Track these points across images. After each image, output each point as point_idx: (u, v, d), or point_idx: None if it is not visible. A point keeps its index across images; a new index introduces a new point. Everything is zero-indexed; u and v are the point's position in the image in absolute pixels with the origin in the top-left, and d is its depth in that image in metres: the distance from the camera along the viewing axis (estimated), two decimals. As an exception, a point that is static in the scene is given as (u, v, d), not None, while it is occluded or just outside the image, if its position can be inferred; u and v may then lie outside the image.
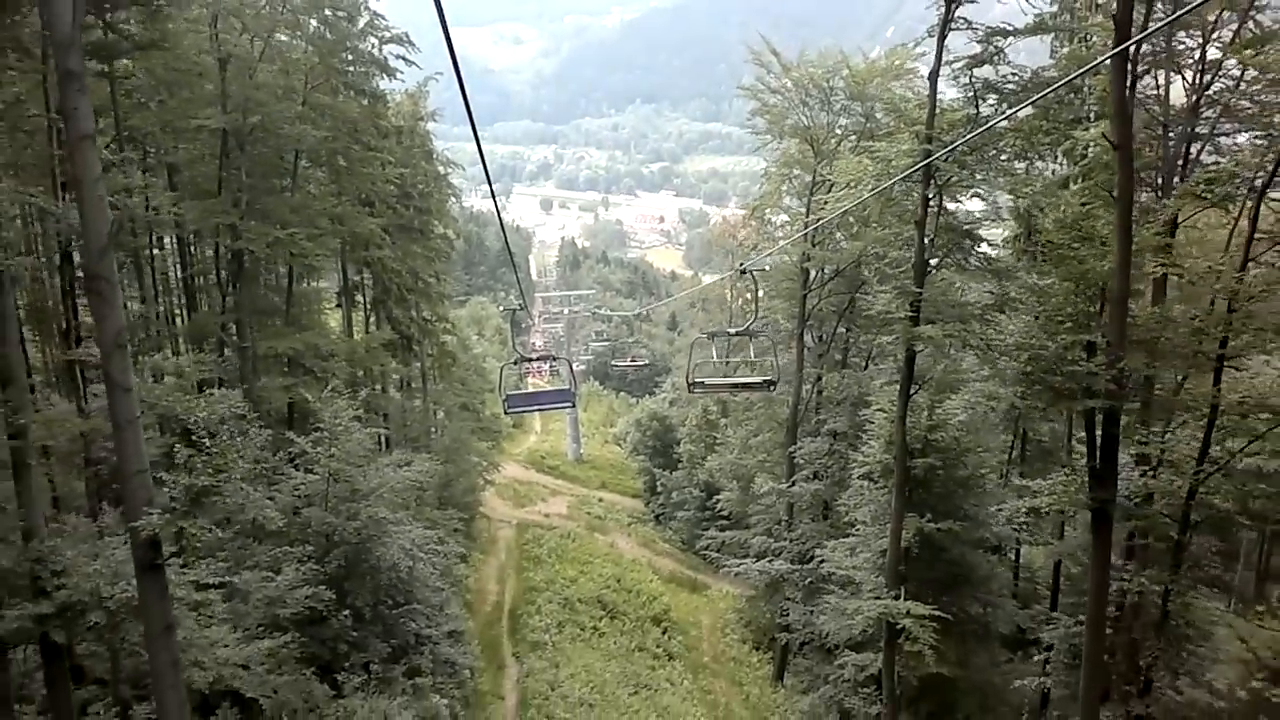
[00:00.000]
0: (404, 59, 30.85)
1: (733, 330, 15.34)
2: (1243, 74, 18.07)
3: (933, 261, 21.31)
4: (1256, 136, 18.70)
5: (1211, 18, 18.22)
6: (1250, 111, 18.29)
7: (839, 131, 32.09)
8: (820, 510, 33.15)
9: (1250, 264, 16.95)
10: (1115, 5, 14.88)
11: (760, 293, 27.70)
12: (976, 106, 19.44)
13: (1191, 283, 18.71)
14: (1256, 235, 16.79)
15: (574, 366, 21.15)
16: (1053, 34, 21.31)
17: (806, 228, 31.28)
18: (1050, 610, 23.72)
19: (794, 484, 33.07)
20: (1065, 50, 21.73)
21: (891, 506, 22.58)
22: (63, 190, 17.25)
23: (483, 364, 61.87)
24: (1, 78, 15.92)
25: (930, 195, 20.38)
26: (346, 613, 21.53)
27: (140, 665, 17.03)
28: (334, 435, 22.17)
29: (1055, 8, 20.12)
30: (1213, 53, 18.52)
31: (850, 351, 34.90)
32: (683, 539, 49.13)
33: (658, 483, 54.00)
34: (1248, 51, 17.18)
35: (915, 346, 21.57)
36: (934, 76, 19.78)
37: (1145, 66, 19.18)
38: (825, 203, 29.47)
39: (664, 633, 35.38)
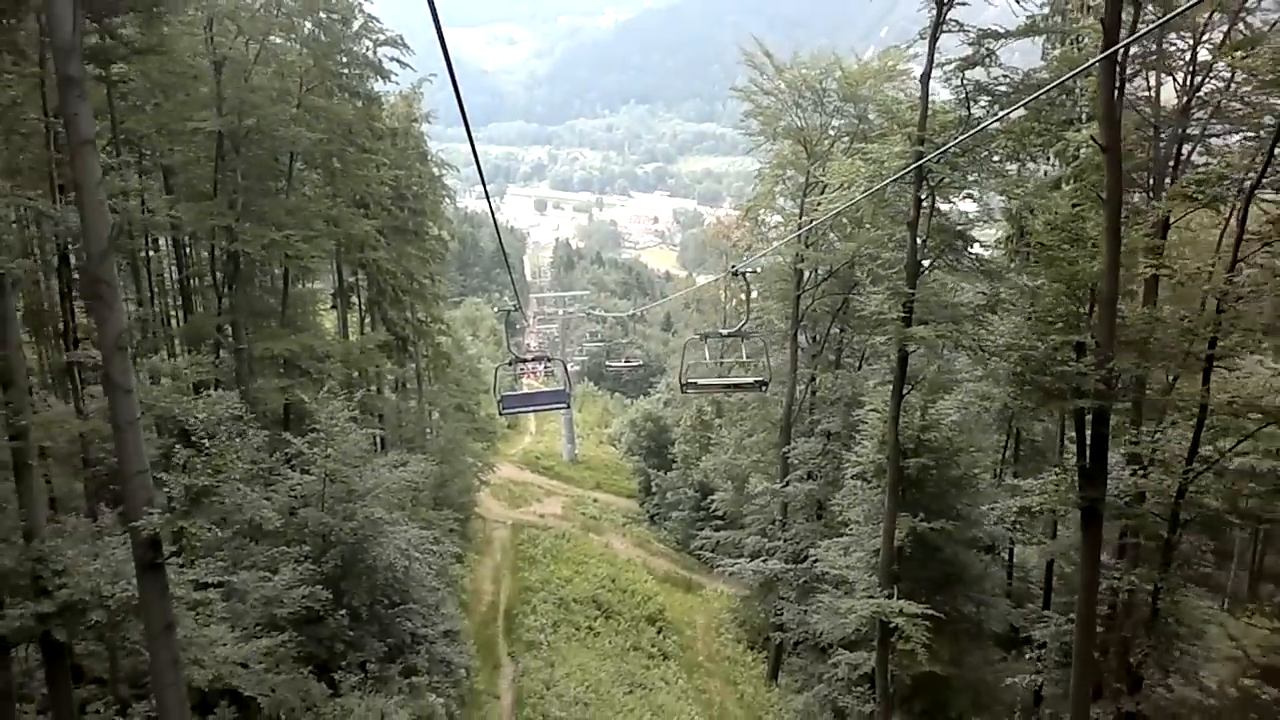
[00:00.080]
0: (398, 61, 30.90)
1: (725, 331, 15.43)
2: (1233, 75, 18.21)
3: (925, 262, 21.47)
4: (1246, 138, 18.87)
5: (1202, 19, 18.40)
6: (1241, 113, 18.44)
7: (832, 133, 32.25)
8: (814, 510, 33.31)
9: (1241, 264, 17.11)
10: (1104, 8, 15.02)
11: (754, 293, 27.83)
12: (968, 108, 19.59)
13: (1181, 283, 18.88)
14: (1245, 236, 16.94)
15: (569, 367, 21.24)
16: (1044, 36, 21.47)
17: (800, 229, 31.42)
18: (1043, 609, 23.85)
19: (788, 484, 33.23)
20: (1057, 52, 21.89)
21: (885, 506, 22.74)
22: (60, 193, 17.33)
23: (477, 365, 61.90)
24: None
25: (923, 196, 20.55)
26: (343, 612, 21.60)
27: (139, 664, 17.13)
28: (330, 436, 22.23)
29: (1047, 10, 20.26)
30: (1203, 54, 18.69)
31: (844, 352, 35.08)
32: (677, 539, 49.21)
33: (652, 483, 54.04)
34: (1238, 53, 17.33)
35: (908, 347, 21.72)
36: (926, 78, 19.92)
37: (1136, 68, 19.38)
38: (818, 204, 29.59)
39: (659, 632, 35.48)
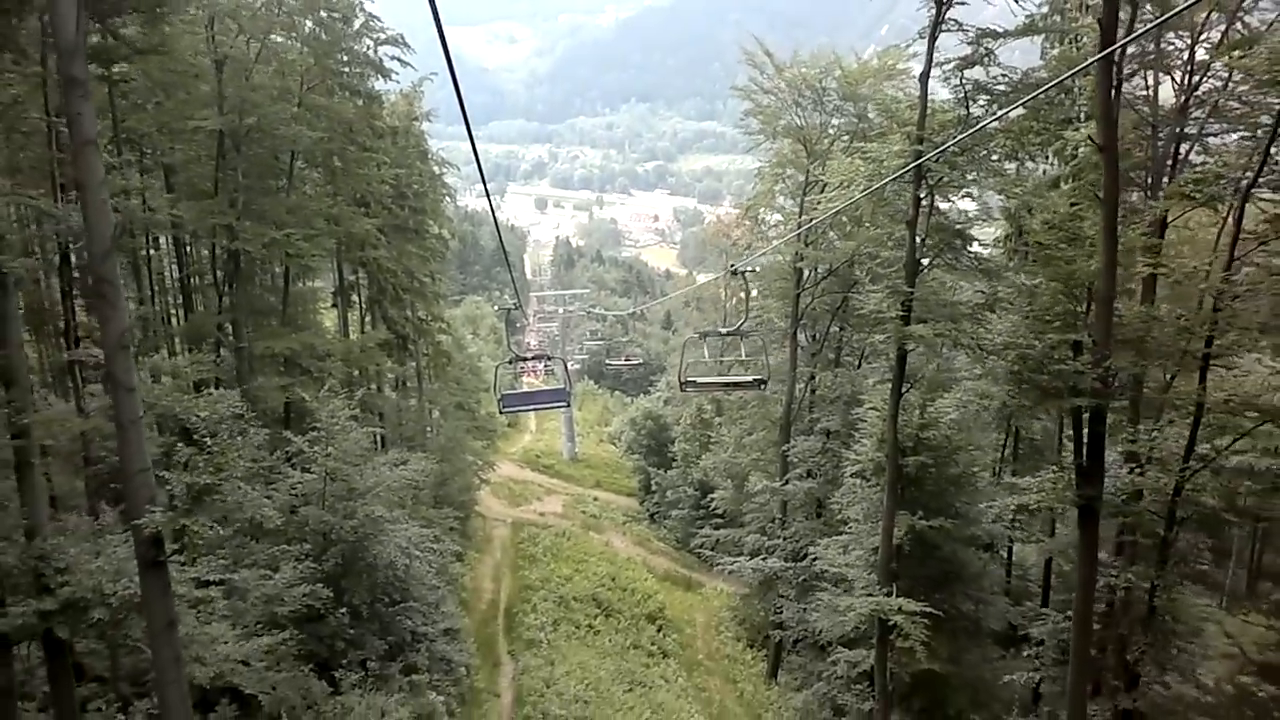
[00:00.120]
0: (399, 60, 30.96)
1: (724, 330, 15.43)
2: (1230, 74, 18.25)
3: (924, 261, 21.50)
4: (1243, 137, 18.91)
5: (1200, 19, 18.44)
6: (1239, 112, 18.47)
7: (832, 132, 32.29)
8: (813, 508, 33.37)
9: (1238, 263, 17.16)
10: (1101, 9, 15.06)
11: (754, 292, 27.82)
12: (967, 107, 19.62)
13: (1178, 282, 18.94)
14: (1242, 235, 16.98)
15: (569, 366, 21.27)
16: (1043, 35, 21.51)
17: (799, 227, 31.45)
18: (1041, 607, 23.92)
19: (787, 482, 33.28)
20: (1056, 51, 21.93)
21: (884, 504, 22.79)
22: (61, 192, 17.38)
23: (478, 363, 61.97)
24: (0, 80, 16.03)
25: (922, 195, 20.59)
26: (344, 610, 21.69)
27: (139, 663, 17.20)
28: (330, 434, 22.29)
29: (1046, 9, 20.29)
30: (1201, 54, 18.73)
31: (843, 350, 35.14)
32: (677, 537, 49.26)
33: (652, 481, 54.09)
34: (1235, 53, 17.37)
35: (907, 346, 21.78)
36: (925, 78, 19.94)
37: (1135, 67, 19.42)
38: (818, 202, 29.63)
39: (659, 630, 35.54)
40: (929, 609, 20.89)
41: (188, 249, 29.03)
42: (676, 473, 51.47)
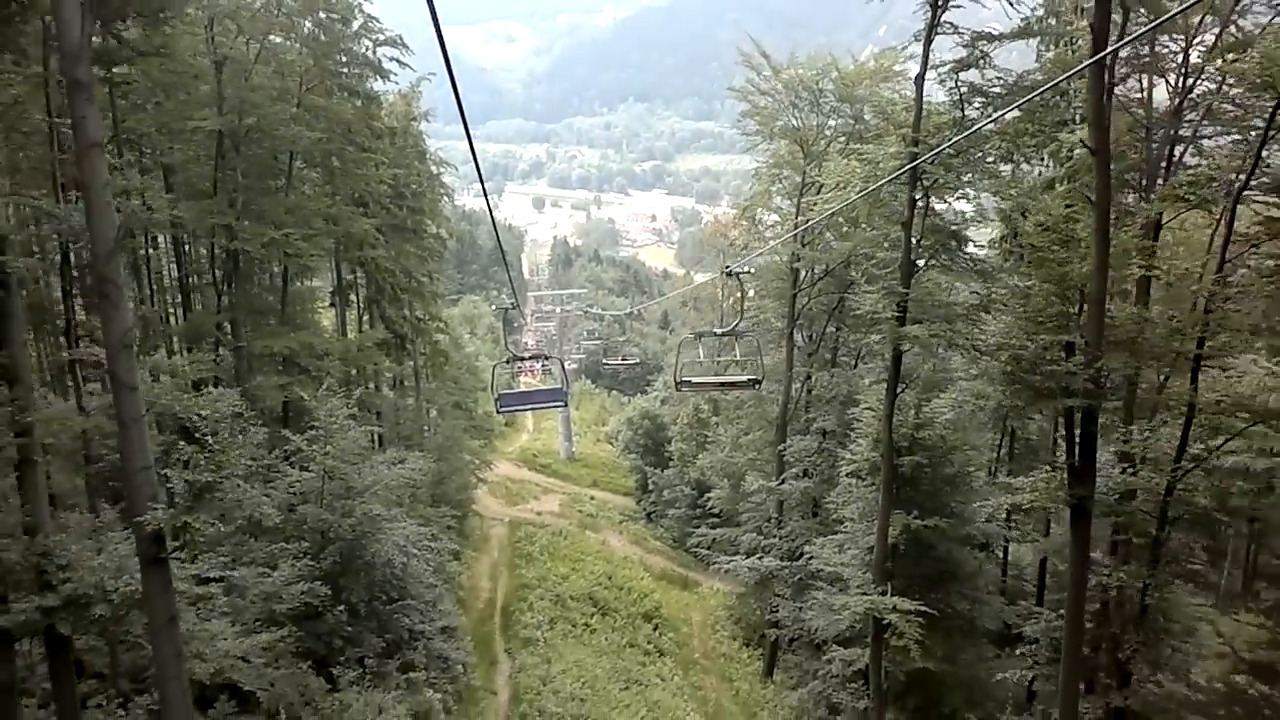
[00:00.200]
0: (397, 61, 31.09)
1: (719, 331, 15.55)
2: (1224, 78, 18.37)
3: (920, 262, 21.61)
4: (1236, 140, 19.01)
5: (1194, 21, 18.54)
6: (1232, 114, 18.57)
7: (828, 133, 32.29)
8: (809, 508, 33.45)
9: (1230, 265, 17.29)
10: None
11: (750, 292, 27.90)
12: (963, 110, 19.73)
13: (1170, 284, 19.07)
14: (1234, 238, 17.11)
15: (566, 365, 21.32)
16: (1038, 38, 21.62)
17: (796, 228, 31.56)
18: (1036, 605, 24.05)
19: (783, 482, 33.37)
20: (1051, 54, 22.04)
21: (879, 504, 22.89)
22: (62, 192, 17.48)
23: (475, 362, 61.97)
24: (1, 80, 16.10)
25: (917, 197, 20.69)
26: (342, 608, 21.81)
27: (138, 660, 17.33)
28: (329, 433, 22.41)
29: (1041, 11, 20.40)
30: (1195, 57, 18.84)
31: (840, 350, 35.23)
32: (674, 537, 49.38)
33: (649, 481, 54.25)
34: (1229, 56, 17.48)
35: (902, 346, 21.87)
36: (920, 80, 20.04)
37: (1128, 70, 19.53)
38: (815, 203, 29.75)
39: (655, 629, 35.67)
40: (924, 608, 21.00)
41: (186, 248, 29.10)
42: (673, 472, 51.57)
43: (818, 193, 30.32)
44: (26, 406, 13.04)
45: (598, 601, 36.24)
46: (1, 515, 13.61)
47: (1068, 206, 17.96)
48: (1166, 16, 16.08)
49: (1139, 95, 20.28)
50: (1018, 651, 22.63)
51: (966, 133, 18.67)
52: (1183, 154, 19.86)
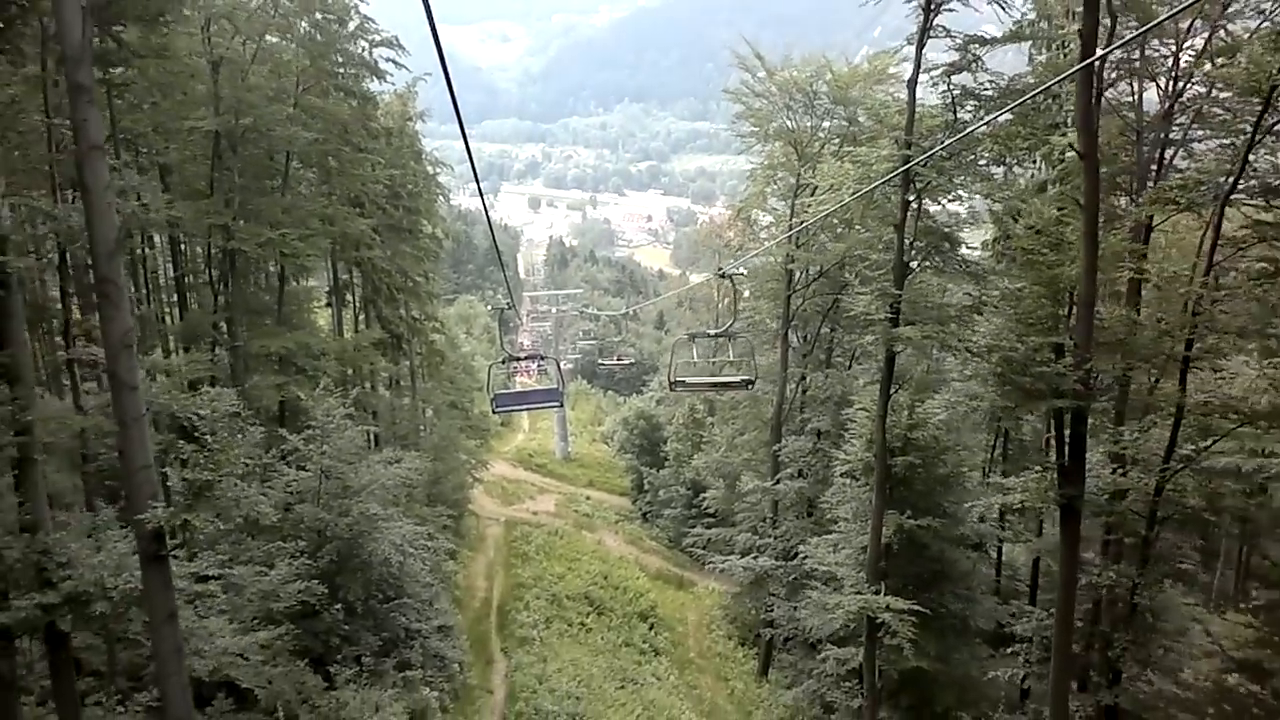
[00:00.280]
0: (393, 61, 31.18)
1: (713, 332, 15.74)
2: (1213, 82, 18.52)
3: (913, 264, 21.75)
4: (1223, 144, 19.16)
5: (1184, 25, 18.70)
6: (1221, 118, 18.72)
7: (822, 135, 32.39)
8: (804, 507, 33.59)
9: (1218, 268, 17.46)
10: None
11: (745, 293, 28.00)
12: (955, 112, 19.86)
13: (1159, 287, 19.23)
14: (1220, 241, 17.28)
15: (562, 365, 21.47)
16: (1030, 41, 21.77)
17: (791, 229, 31.69)
18: (1028, 605, 24.20)
19: (778, 482, 33.51)
20: (1043, 57, 22.19)
21: (873, 504, 23.03)
22: (60, 191, 17.56)
23: (471, 362, 62.04)
24: None
25: (910, 199, 20.82)
26: (338, 607, 21.88)
27: (136, 657, 17.42)
28: (325, 433, 22.51)
29: (1033, 15, 20.53)
30: (1185, 60, 18.99)
31: (834, 351, 35.39)
32: (669, 536, 49.48)
33: (645, 481, 54.31)
34: (1218, 60, 17.63)
35: (895, 347, 22.00)
36: (913, 83, 20.17)
37: (1120, 74, 19.69)
38: (809, 205, 29.88)
39: (650, 628, 35.79)
40: (917, 607, 21.17)
41: (183, 248, 29.15)
42: (669, 472, 51.66)
43: (812, 194, 30.45)
44: (27, 405, 13.11)
45: (593, 601, 36.36)
46: (1, 513, 13.71)
47: (1059, 210, 18.11)
48: (1155, 22, 16.25)
49: (1130, 99, 20.43)
50: (1010, 650, 22.79)
51: (959, 135, 18.81)
52: (1173, 157, 20.02)
